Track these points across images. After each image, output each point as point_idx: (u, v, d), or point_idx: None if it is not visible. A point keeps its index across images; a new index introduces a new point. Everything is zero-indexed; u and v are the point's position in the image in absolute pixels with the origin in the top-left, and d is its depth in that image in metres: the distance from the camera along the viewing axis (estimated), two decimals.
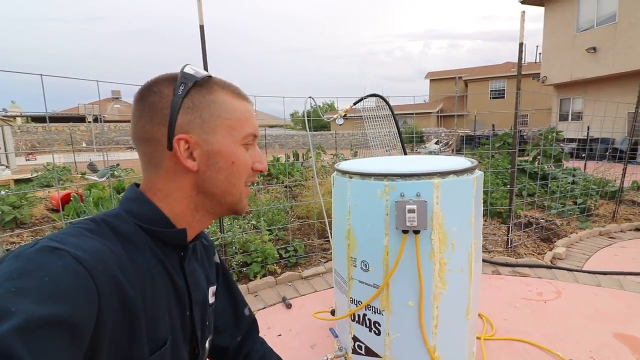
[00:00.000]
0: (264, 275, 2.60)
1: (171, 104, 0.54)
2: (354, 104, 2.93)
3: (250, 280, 2.54)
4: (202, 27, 2.41)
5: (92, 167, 9.80)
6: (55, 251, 0.42)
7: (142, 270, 0.52)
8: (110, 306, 0.44)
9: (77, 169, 9.54)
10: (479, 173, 1.47)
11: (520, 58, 2.84)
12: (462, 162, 1.52)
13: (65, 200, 3.95)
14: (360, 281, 1.48)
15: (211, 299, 0.71)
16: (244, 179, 0.62)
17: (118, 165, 9.04)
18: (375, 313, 1.46)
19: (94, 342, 0.42)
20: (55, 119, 23.43)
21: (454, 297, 1.42)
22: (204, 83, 0.57)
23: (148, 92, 0.56)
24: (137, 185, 0.61)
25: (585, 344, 1.79)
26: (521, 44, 2.82)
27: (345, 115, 2.93)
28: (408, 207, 1.27)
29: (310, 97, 2.88)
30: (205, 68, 2.42)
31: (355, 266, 1.50)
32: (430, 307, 1.38)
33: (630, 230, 3.75)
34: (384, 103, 3.33)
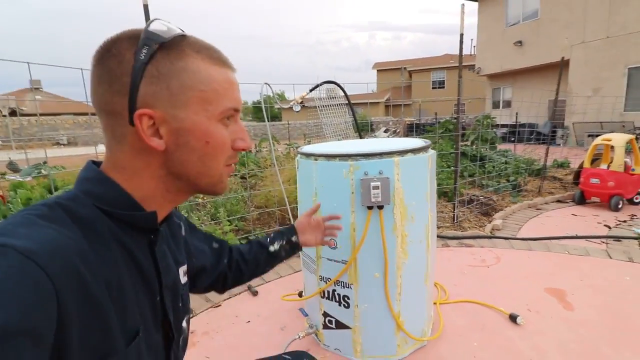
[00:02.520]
0: None
1: (132, 71, 0.46)
2: (310, 90, 2.96)
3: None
4: (146, 7, 2.26)
5: (13, 167, 8.71)
6: None
7: (105, 258, 0.46)
8: (73, 301, 0.40)
9: None
10: (432, 152, 1.60)
11: (461, 48, 3.07)
12: (417, 142, 1.64)
13: None
14: (328, 259, 1.55)
15: (183, 279, 0.67)
16: (222, 160, 0.55)
17: (45, 163, 8.13)
18: (344, 287, 1.54)
19: (61, 342, 0.38)
20: None
21: (414, 266, 1.54)
22: (174, 45, 0.48)
23: (107, 55, 0.47)
24: (95, 163, 0.54)
25: (522, 299, 2.05)
26: (462, 35, 3.04)
27: (302, 102, 2.95)
28: (373, 184, 1.35)
29: (266, 83, 2.86)
30: None
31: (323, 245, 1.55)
32: (394, 276, 1.49)
33: (553, 202, 4.28)
34: (336, 93, 3.41)
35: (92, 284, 0.43)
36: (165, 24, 0.49)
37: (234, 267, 0.91)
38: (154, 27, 0.48)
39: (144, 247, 0.54)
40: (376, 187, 1.35)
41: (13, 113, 18.66)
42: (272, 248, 1.00)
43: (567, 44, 10.57)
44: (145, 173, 0.52)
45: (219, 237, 0.95)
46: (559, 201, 4.30)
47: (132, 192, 0.51)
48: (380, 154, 1.41)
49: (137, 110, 0.47)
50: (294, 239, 1.06)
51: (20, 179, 6.16)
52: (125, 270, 0.50)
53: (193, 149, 0.51)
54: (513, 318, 1.83)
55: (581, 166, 4.28)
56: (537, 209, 4.00)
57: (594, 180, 3.91)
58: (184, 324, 0.67)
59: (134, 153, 0.50)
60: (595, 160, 4.17)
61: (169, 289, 0.60)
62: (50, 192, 4.11)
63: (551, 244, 2.87)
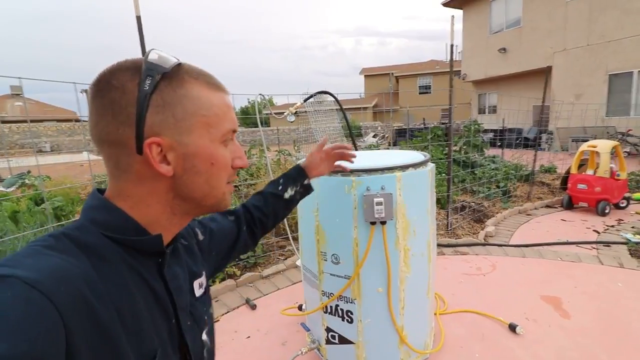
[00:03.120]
0: (223, 279, 2.53)
1: (137, 101, 0.47)
2: (305, 100, 2.96)
3: (209, 286, 2.45)
4: (139, 19, 2.24)
5: None
6: (1, 279, 0.37)
7: (115, 284, 0.47)
8: (81, 328, 0.40)
9: None
10: (431, 165, 1.61)
11: (451, 59, 3.12)
12: (416, 155, 1.65)
13: None
14: (331, 274, 1.54)
15: (199, 292, 0.67)
16: (225, 179, 0.57)
17: (29, 172, 7.88)
18: (347, 302, 1.53)
19: None
20: None
21: (417, 279, 1.55)
22: (174, 74, 0.50)
23: (107, 87, 0.48)
24: (100, 191, 0.54)
25: (520, 308, 2.08)
26: (452, 46, 3.10)
27: (296, 112, 2.95)
28: (376, 200, 1.35)
29: (260, 94, 2.85)
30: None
31: (325, 260, 1.55)
32: (397, 290, 1.49)
33: (542, 207, 4.38)
34: (324, 98, 3.43)
35: (100, 310, 0.43)
36: (159, 53, 0.51)
37: (258, 224, 0.96)
38: (152, 57, 0.49)
39: (152, 270, 0.55)
40: (379, 203, 1.35)
41: None
42: (287, 195, 1.03)
43: (550, 51, 10.90)
44: (152, 199, 0.53)
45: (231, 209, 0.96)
46: (547, 206, 4.40)
47: (138, 219, 0.52)
48: (382, 169, 1.42)
49: (146, 139, 0.48)
50: (306, 182, 1.09)
51: (4, 189, 5.96)
52: (138, 295, 0.50)
53: (199, 172, 0.53)
54: (512, 327, 1.86)
55: (568, 172, 4.40)
56: (527, 215, 4.08)
57: (581, 186, 4.01)
58: (204, 336, 0.67)
59: (140, 181, 0.51)
60: (581, 165, 4.28)
61: (184, 311, 0.61)
62: (37, 204, 3.99)
63: (544, 250, 2.93)
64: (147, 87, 0.48)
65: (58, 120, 20.18)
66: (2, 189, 6.50)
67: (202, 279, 0.70)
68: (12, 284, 0.37)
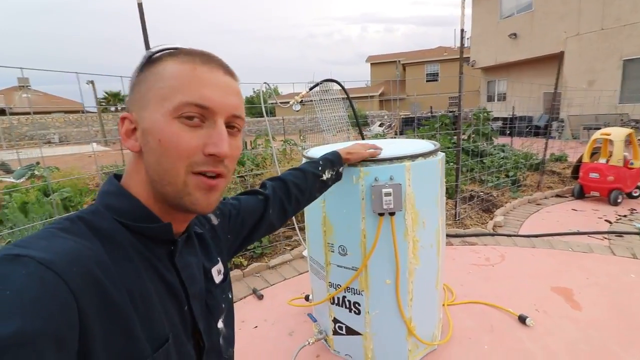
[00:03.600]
0: (230, 269, 2.54)
1: (131, 85, 0.53)
2: (310, 89, 2.91)
3: (229, 271, 2.46)
4: (140, 6, 2.20)
5: (5, 167, 8.54)
6: (17, 259, 0.38)
7: (126, 268, 0.47)
8: (93, 307, 0.41)
9: None
10: (441, 154, 1.57)
11: (462, 44, 3.03)
12: (426, 145, 1.60)
13: None
14: (338, 265, 1.52)
15: (218, 278, 0.67)
16: (181, 164, 0.49)
17: (38, 163, 7.96)
18: (354, 294, 1.51)
19: (85, 348, 0.39)
20: None
21: (426, 271, 1.52)
22: (159, 57, 0.51)
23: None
24: (117, 177, 0.55)
25: (530, 299, 2.05)
26: (462, 30, 3.00)
27: (301, 101, 2.90)
28: (384, 190, 1.31)
29: (265, 82, 2.81)
30: (147, 46, 2.22)
31: (332, 251, 1.53)
32: (405, 282, 1.47)
33: (552, 196, 4.30)
34: (330, 86, 3.36)
35: (112, 291, 0.44)
36: (167, 45, 0.52)
37: (293, 200, 0.97)
38: (155, 47, 0.52)
39: (164, 258, 0.55)
40: (388, 194, 1.32)
41: (2, 112, 18.28)
42: (324, 177, 1.09)
43: (563, 36, 10.58)
44: (137, 178, 0.53)
45: (262, 188, 0.95)
46: (558, 196, 4.32)
47: (143, 200, 0.53)
48: (391, 159, 1.38)
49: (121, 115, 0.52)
50: (341, 169, 1.19)
51: (14, 181, 6.04)
52: (148, 280, 0.51)
53: (152, 149, 0.50)
54: (522, 319, 1.83)
55: (580, 160, 4.30)
56: (537, 204, 4.01)
57: (593, 175, 3.92)
58: (220, 324, 0.67)
59: (130, 158, 0.54)
60: (594, 154, 4.18)
61: (197, 298, 0.60)
62: (46, 195, 4.03)
63: (554, 241, 2.88)
64: (136, 72, 0.52)
65: (66, 112, 20.31)
66: (12, 180, 6.60)
67: (219, 265, 0.69)
68: (27, 264, 0.38)
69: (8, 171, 8.21)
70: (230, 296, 0.72)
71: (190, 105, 0.48)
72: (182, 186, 0.50)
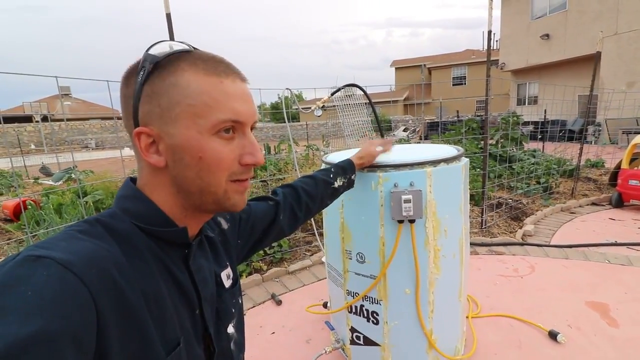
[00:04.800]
0: (250, 274, 2.56)
1: (134, 93, 0.49)
2: (332, 94, 2.90)
3: (238, 277, 2.48)
4: (169, 16, 2.29)
5: (45, 171, 9.09)
6: (39, 260, 0.39)
7: (142, 271, 0.48)
8: (110, 308, 0.42)
9: (28, 173, 8.79)
10: (465, 160, 1.51)
11: (489, 45, 2.94)
12: (449, 150, 1.55)
13: (19, 208, 3.64)
14: (356, 273, 1.49)
15: (227, 283, 0.67)
16: (222, 176, 0.52)
17: (75, 167, 8.42)
18: (372, 303, 1.48)
19: (102, 348, 0.40)
20: None
21: (447, 282, 1.46)
22: (168, 63, 0.49)
23: (123, 83, 0.52)
24: (133, 180, 0.56)
25: (562, 314, 1.92)
26: (490, 32, 2.91)
27: (323, 107, 2.90)
28: (404, 197, 1.28)
29: (287, 88, 2.83)
30: None
31: (350, 259, 1.50)
32: (426, 293, 1.42)
33: (587, 205, 4.06)
34: (353, 91, 3.34)
35: (129, 293, 0.45)
36: (171, 44, 0.50)
37: (304, 207, 0.96)
38: (155, 49, 0.50)
39: (179, 261, 0.56)
40: (408, 201, 1.28)
41: (45, 119, 19.52)
42: (336, 184, 1.09)
43: (600, 36, 10.06)
44: (161, 190, 0.53)
45: (273, 195, 0.96)
46: (594, 204, 4.07)
47: (162, 207, 0.53)
48: (412, 165, 1.34)
49: (135, 130, 0.50)
50: (353, 176, 1.18)
51: (52, 183, 6.41)
52: (162, 283, 0.51)
53: (188, 165, 0.51)
54: (553, 335, 1.72)
55: (618, 166, 4.04)
56: (571, 213, 3.80)
57: (633, 182, 3.67)
58: (230, 329, 0.67)
59: (149, 170, 0.53)
60: (634, 159, 3.92)
61: (208, 302, 0.61)
62: (79, 197, 4.25)
63: (589, 252, 2.71)
64: (140, 78, 0.49)
65: (102, 119, 21.43)
66: (51, 182, 7.02)
67: (229, 270, 0.70)
68: (47, 265, 0.39)
69: (48, 174, 8.74)
70: (240, 301, 0.72)
71: (227, 122, 0.51)
72: (223, 194, 0.54)
